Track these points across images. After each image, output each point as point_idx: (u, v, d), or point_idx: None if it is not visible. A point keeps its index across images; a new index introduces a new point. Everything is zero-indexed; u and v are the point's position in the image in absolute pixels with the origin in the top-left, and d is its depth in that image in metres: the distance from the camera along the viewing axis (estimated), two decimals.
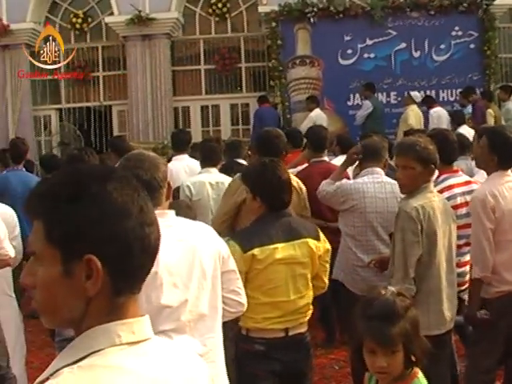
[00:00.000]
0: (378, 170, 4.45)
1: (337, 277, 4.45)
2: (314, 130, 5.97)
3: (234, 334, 3.31)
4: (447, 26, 11.74)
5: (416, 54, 11.89)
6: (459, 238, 3.86)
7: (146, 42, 12.40)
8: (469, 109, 10.30)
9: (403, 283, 3.35)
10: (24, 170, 6.58)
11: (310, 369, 3.44)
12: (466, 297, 3.97)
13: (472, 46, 11.77)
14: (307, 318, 3.36)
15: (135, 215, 1.17)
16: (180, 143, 6.62)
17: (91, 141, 12.95)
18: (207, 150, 5.41)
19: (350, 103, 11.95)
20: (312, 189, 4.68)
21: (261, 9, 12.15)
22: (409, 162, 3.55)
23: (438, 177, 4.22)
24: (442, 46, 11.83)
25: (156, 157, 2.68)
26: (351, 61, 11.95)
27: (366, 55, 11.94)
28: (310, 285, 3.36)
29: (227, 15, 12.88)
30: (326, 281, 3.50)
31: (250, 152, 6.06)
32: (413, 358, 2.24)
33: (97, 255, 1.12)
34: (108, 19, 12.63)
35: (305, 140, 6.23)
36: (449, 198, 4.05)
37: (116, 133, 12.68)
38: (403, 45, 11.86)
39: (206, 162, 5.32)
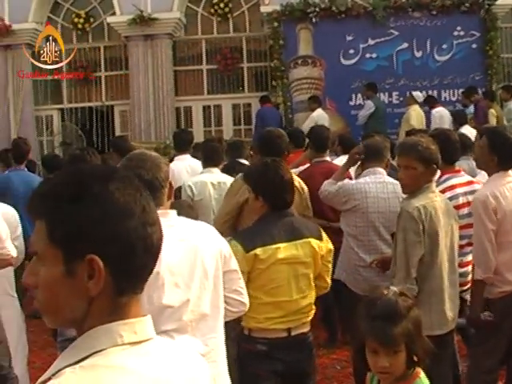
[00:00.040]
0: (380, 170, 4.44)
1: (339, 277, 4.44)
2: (316, 130, 5.98)
3: (236, 333, 3.31)
4: (449, 26, 11.73)
5: (418, 54, 11.87)
6: (461, 238, 3.86)
7: (148, 41, 12.39)
8: (471, 109, 10.29)
9: (405, 283, 3.35)
10: (26, 169, 6.59)
11: (313, 369, 3.43)
12: (468, 297, 3.97)
13: (474, 45, 11.75)
14: (310, 317, 3.36)
15: (137, 215, 1.16)
16: (182, 143, 6.62)
17: (93, 141, 12.95)
18: (209, 150, 5.41)
19: (351, 103, 11.93)
20: (314, 189, 4.68)
21: (263, 9, 12.13)
22: (411, 162, 3.55)
23: (440, 177, 4.22)
24: (444, 46, 11.81)
25: (158, 157, 2.68)
26: (353, 61, 11.94)
27: (367, 55, 11.93)
28: (313, 285, 3.36)
29: (229, 15, 12.86)
30: (329, 281, 3.50)
31: (252, 152, 6.05)
32: (415, 358, 2.23)
33: (99, 255, 1.12)
34: (110, 19, 12.63)
35: (307, 140, 6.23)
36: (451, 198, 4.04)
37: (118, 133, 12.69)
38: (405, 45, 11.85)
39: (208, 161, 5.32)
